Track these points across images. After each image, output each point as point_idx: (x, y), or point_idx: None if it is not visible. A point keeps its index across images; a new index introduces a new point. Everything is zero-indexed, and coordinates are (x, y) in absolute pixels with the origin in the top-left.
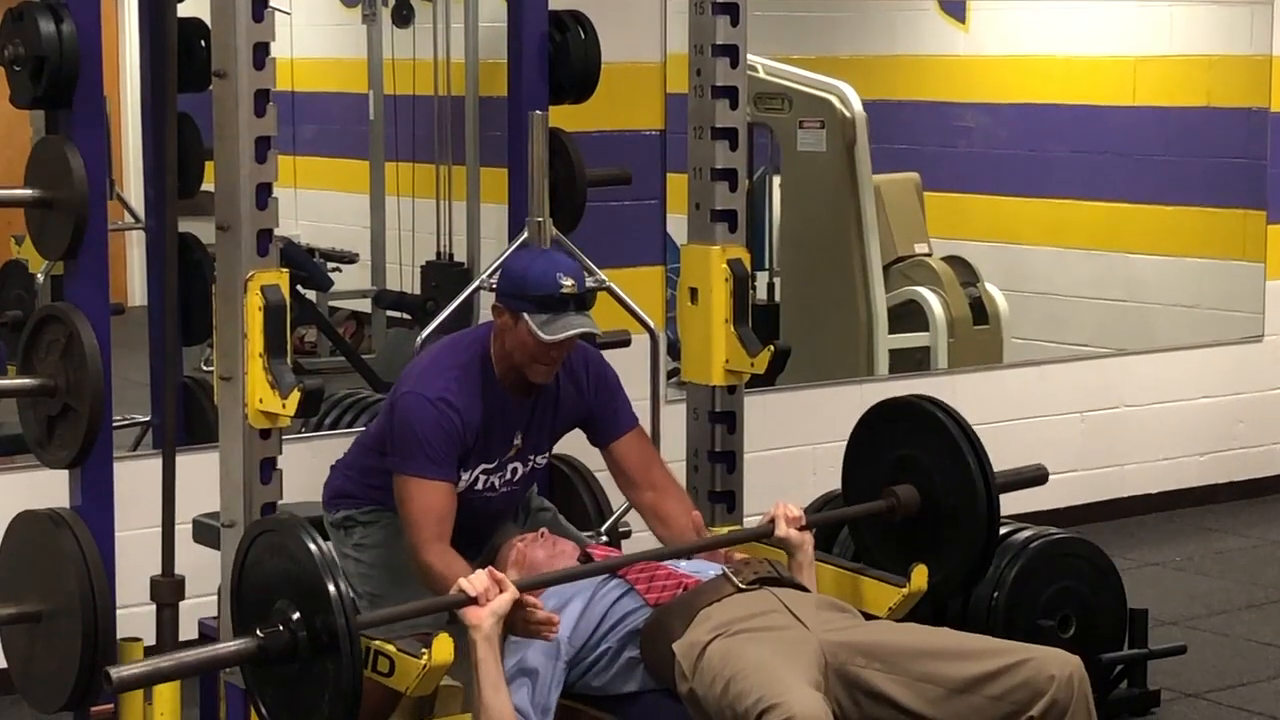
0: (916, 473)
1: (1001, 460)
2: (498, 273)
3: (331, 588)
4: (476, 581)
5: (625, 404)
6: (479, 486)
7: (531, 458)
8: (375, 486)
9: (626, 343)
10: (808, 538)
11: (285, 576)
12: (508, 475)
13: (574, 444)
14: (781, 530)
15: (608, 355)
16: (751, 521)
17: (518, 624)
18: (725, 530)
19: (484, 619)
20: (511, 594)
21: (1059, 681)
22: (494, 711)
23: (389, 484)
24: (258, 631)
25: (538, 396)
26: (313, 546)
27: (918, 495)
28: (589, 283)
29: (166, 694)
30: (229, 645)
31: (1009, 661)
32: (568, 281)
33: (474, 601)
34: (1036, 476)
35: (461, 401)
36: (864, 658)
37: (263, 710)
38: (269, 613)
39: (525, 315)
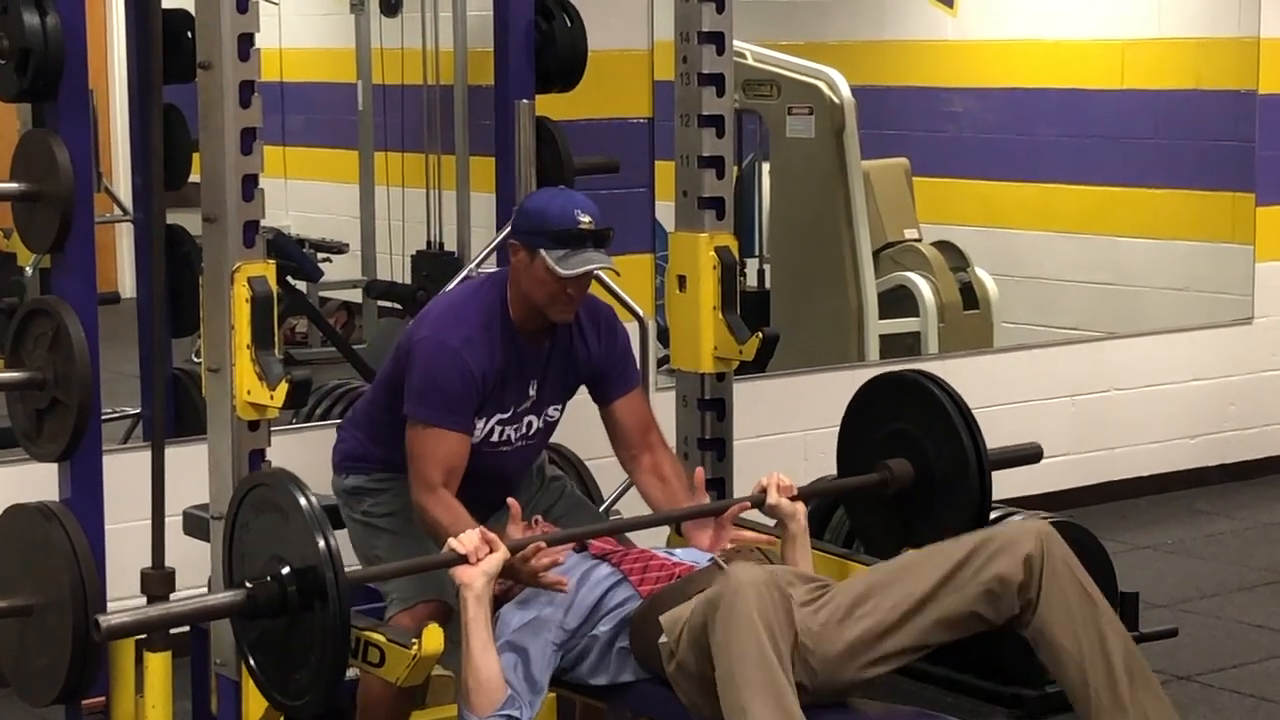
0: (910, 447)
1: (992, 444)
2: (488, 259)
3: (321, 542)
4: (467, 540)
5: (633, 362)
6: (494, 439)
7: (546, 410)
8: (385, 447)
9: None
10: (800, 508)
11: (276, 531)
12: (523, 429)
13: (565, 433)
14: (773, 498)
15: None
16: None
17: (524, 575)
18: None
19: (475, 578)
20: (503, 554)
21: (1028, 539)
22: (482, 672)
23: (399, 442)
24: (247, 584)
25: (553, 346)
26: (303, 501)
27: (911, 469)
28: None
29: (158, 685)
30: (218, 596)
31: (969, 547)
32: (585, 218)
33: (465, 560)
34: (1031, 454)
35: (481, 348)
36: (815, 644)
37: (251, 663)
38: (260, 567)
39: (542, 251)
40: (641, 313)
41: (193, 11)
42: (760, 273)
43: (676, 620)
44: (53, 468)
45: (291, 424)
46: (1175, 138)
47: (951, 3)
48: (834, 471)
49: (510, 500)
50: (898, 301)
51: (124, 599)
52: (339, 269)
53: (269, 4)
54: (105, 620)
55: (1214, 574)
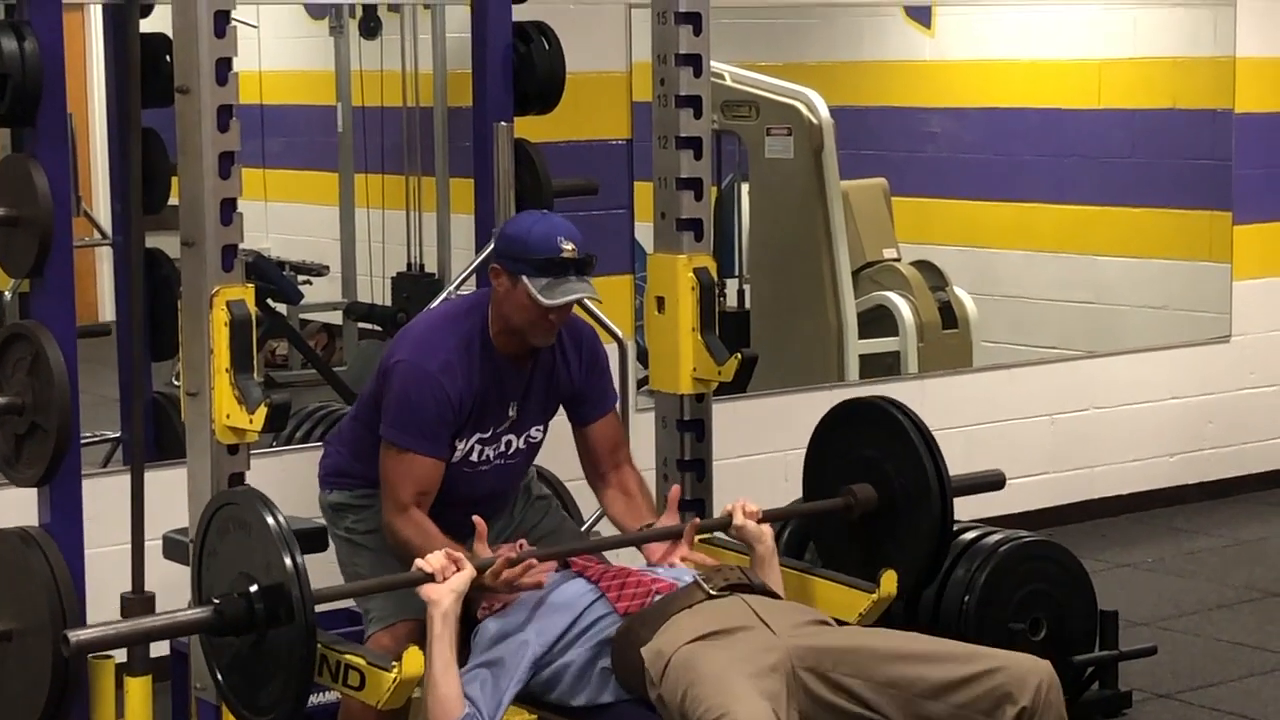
0: (875, 473)
1: (971, 463)
2: (469, 281)
3: (288, 560)
4: (434, 560)
5: (611, 383)
6: (474, 458)
7: (527, 431)
8: (366, 463)
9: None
10: (766, 530)
11: (245, 549)
12: (502, 448)
13: (545, 455)
14: (739, 520)
15: None
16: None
17: (500, 588)
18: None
19: (443, 595)
20: (469, 572)
21: (1030, 690)
22: (440, 689)
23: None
24: (214, 601)
25: (534, 367)
26: (270, 520)
27: (875, 494)
28: None
29: (138, 710)
30: (186, 613)
31: (979, 669)
32: (568, 245)
33: (431, 579)
34: (993, 481)
35: (459, 372)
36: (831, 662)
37: (219, 678)
38: (228, 584)
39: (525, 279)
40: (621, 334)
41: (171, 36)
42: (740, 293)
43: (660, 655)
44: (32, 492)
45: (271, 447)
46: (1153, 157)
47: (929, 23)
48: None
49: (476, 519)
50: (877, 321)
51: (104, 624)
52: (319, 291)
53: (248, 27)
54: (74, 635)
55: (1193, 592)
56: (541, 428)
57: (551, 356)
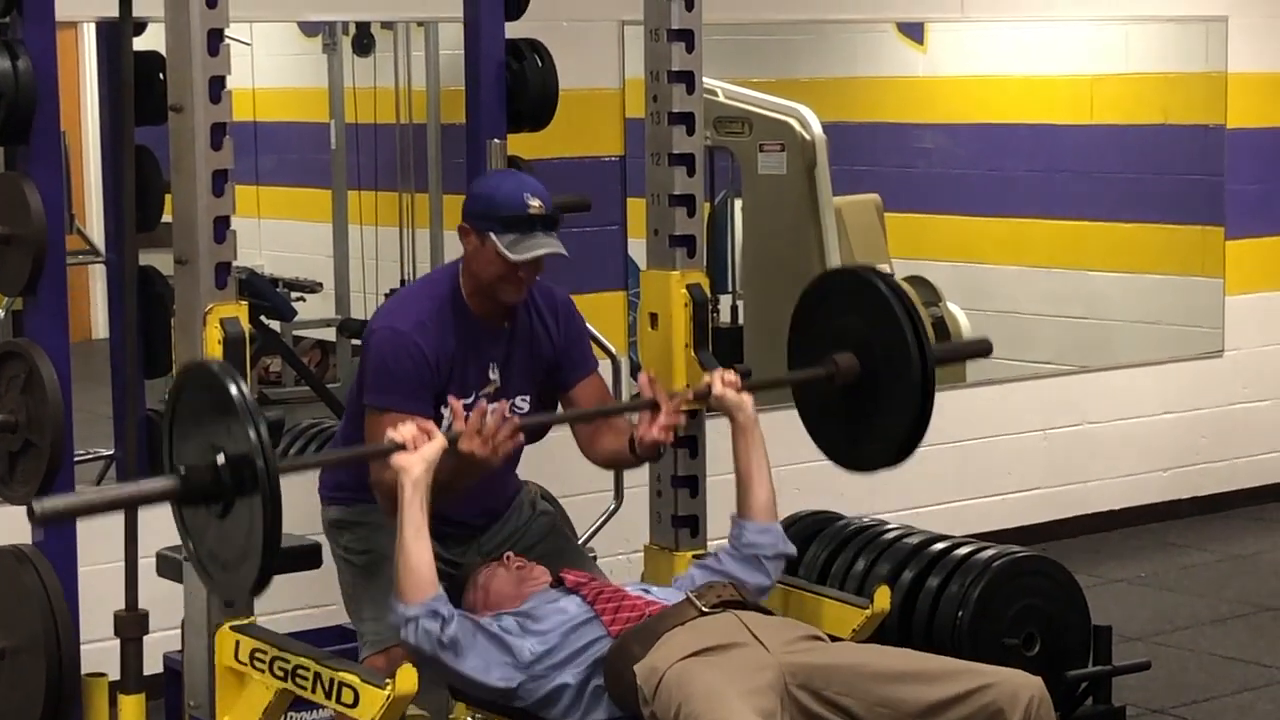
0: (857, 342)
1: (965, 478)
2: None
3: (252, 431)
4: (405, 430)
5: (589, 347)
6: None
7: (513, 400)
8: (359, 466)
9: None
10: (746, 398)
11: (212, 420)
12: None
13: (540, 471)
14: (719, 389)
15: None
16: (717, 545)
17: (477, 449)
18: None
19: (414, 464)
20: (440, 441)
21: (1021, 705)
22: (413, 558)
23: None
24: (182, 470)
25: (513, 332)
26: (234, 390)
27: (857, 363)
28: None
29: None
30: (154, 481)
31: (970, 686)
32: (535, 202)
33: (404, 449)
34: (979, 349)
35: (433, 331)
36: (824, 680)
37: (190, 548)
38: (195, 455)
39: (492, 235)
40: (614, 350)
41: (164, 54)
42: (733, 309)
43: (653, 672)
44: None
45: None
46: (1145, 172)
47: (922, 39)
48: (810, 508)
49: (450, 398)
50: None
51: (98, 641)
52: (313, 308)
53: (241, 45)
54: (40, 504)
55: (1187, 606)
56: (528, 398)
57: (529, 323)
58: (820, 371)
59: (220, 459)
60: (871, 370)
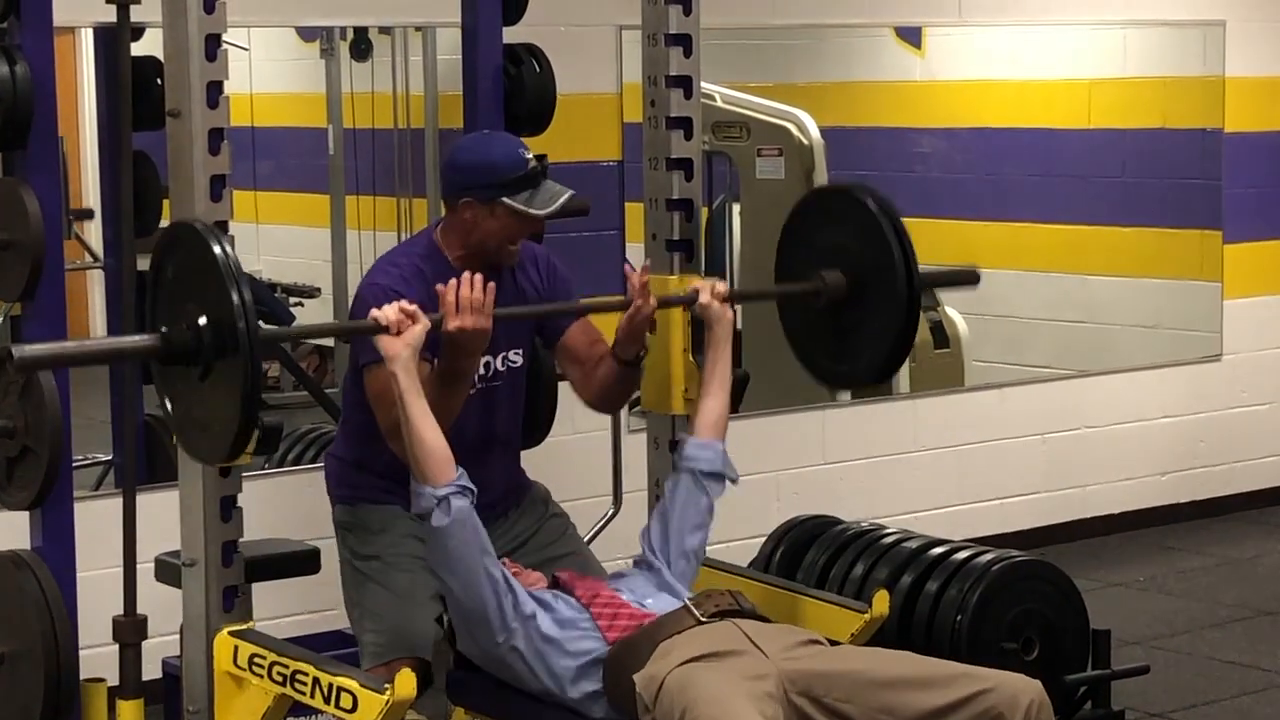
0: (845, 259)
1: (963, 482)
2: None
3: (235, 295)
4: (389, 312)
5: (576, 295)
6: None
7: (505, 353)
8: (364, 445)
9: None
10: (728, 311)
11: (195, 282)
12: (480, 369)
13: (540, 477)
14: (705, 298)
15: (568, 387)
16: (715, 549)
17: (448, 324)
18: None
19: (399, 349)
20: (424, 324)
21: (1020, 710)
22: (427, 440)
23: (371, 432)
24: (163, 329)
25: (498, 283)
26: (219, 251)
27: (844, 280)
28: None
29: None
30: (135, 338)
31: (970, 691)
32: (529, 154)
33: (387, 331)
34: (967, 277)
35: (415, 283)
36: (824, 687)
37: (167, 408)
38: (176, 315)
39: (506, 200)
40: None
41: (162, 59)
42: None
43: (652, 679)
44: (24, 515)
45: (264, 469)
46: (1143, 176)
47: (920, 44)
48: (809, 512)
49: (438, 287)
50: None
51: (96, 646)
52: (311, 313)
53: (239, 50)
54: (19, 351)
55: (1185, 611)
56: (520, 352)
57: (514, 278)
58: (808, 286)
59: (202, 320)
60: (858, 287)
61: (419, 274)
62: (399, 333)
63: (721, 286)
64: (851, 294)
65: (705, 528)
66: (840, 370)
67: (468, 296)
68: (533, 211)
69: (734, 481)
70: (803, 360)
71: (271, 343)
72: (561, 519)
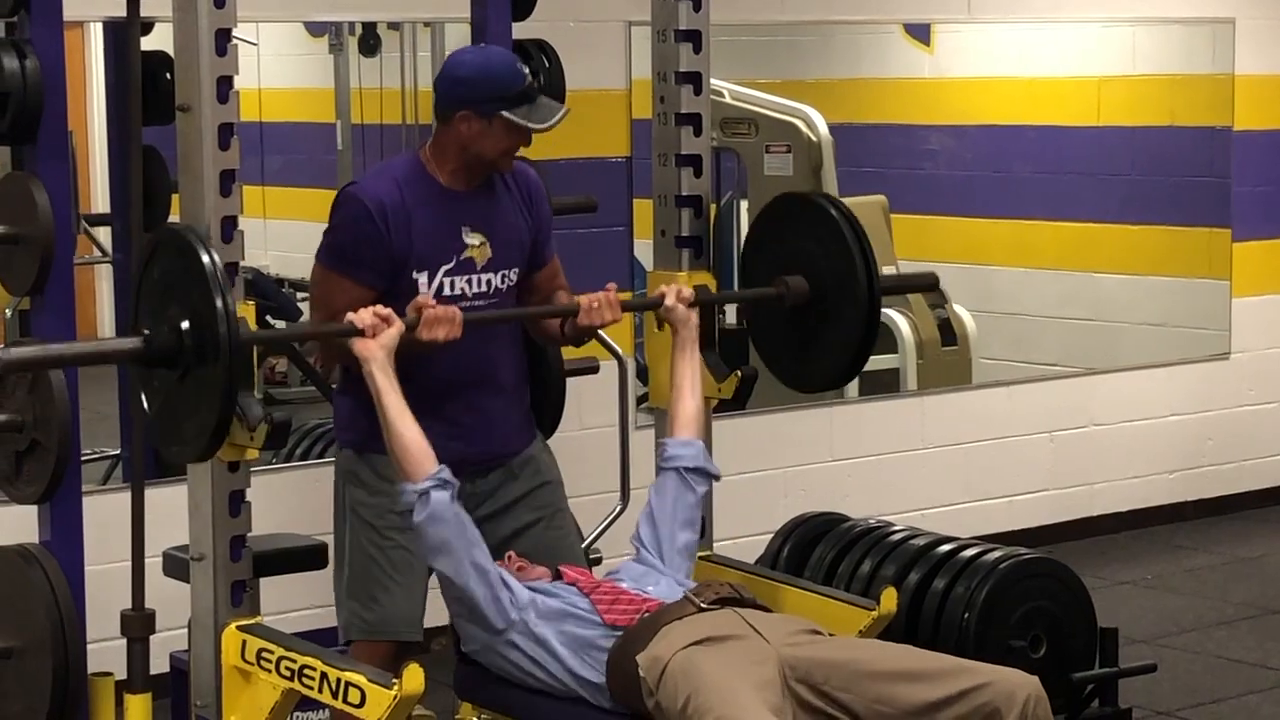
0: (809, 265)
1: (973, 482)
2: None
3: (218, 300)
4: (364, 316)
5: (552, 232)
6: (448, 292)
7: (503, 271)
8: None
9: (595, 369)
10: (693, 315)
11: (179, 287)
12: (480, 285)
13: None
14: (670, 301)
15: (575, 383)
16: (722, 546)
17: (420, 333)
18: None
19: (375, 351)
20: (398, 327)
21: (1017, 704)
22: (406, 437)
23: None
24: (145, 331)
25: (494, 200)
26: (205, 259)
27: (807, 285)
28: None
29: None
30: (117, 341)
31: (967, 685)
32: (526, 69)
33: (362, 334)
34: (926, 283)
35: (396, 192)
36: (823, 675)
37: (147, 407)
38: (160, 318)
39: (505, 113)
40: (620, 351)
41: (171, 54)
42: (739, 311)
43: (656, 661)
44: (32, 509)
45: (272, 464)
46: (1151, 174)
47: (928, 41)
48: (815, 509)
49: (420, 298)
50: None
51: (104, 640)
52: None
53: (248, 45)
54: (7, 351)
55: (1192, 609)
56: (516, 270)
57: (510, 196)
58: (771, 291)
59: (185, 324)
60: (820, 292)
61: (403, 190)
62: (374, 335)
63: (687, 291)
64: (814, 299)
65: (695, 525)
66: (803, 373)
67: (444, 312)
68: (531, 125)
69: (717, 478)
70: (766, 362)
71: (250, 345)
72: (552, 485)
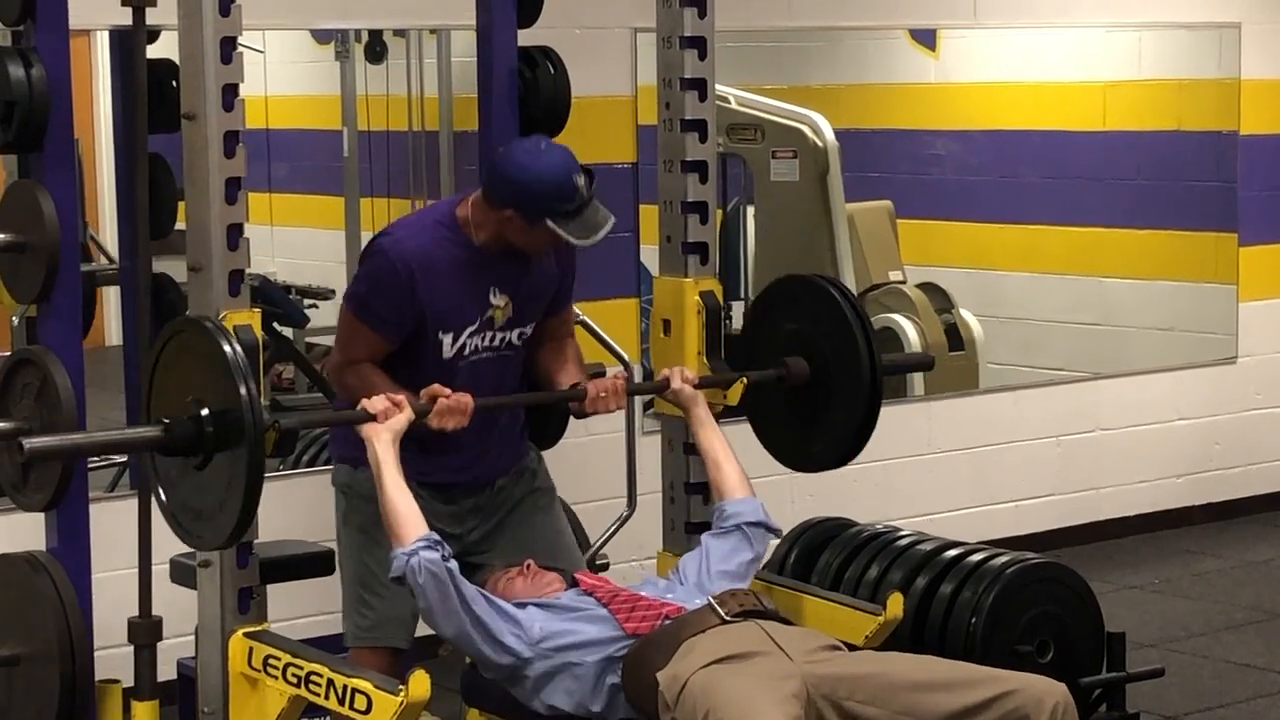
0: (809, 347)
1: (980, 486)
2: None
3: (242, 387)
4: (377, 403)
5: (574, 283)
6: (467, 352)
7: (519, 328)
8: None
9: (601, 375)
10: (701, 395)
11: (199, 375)
12: (497, 342)
13: (553, 478)
14: (676, 384)
15: None
16: None
17: (430, 421)
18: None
19: (381, 433)
20: (408, 414)
21: (1045, 712)
22: (400, 507)
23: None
24: (164, 420)
25: (521, 258)
26: (226, 348)
27: (807, 367)
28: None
29: None
30: (138, 430)
31: (994, 693)
32: (580, 179)
33: (375, 420)
34: (923, 362)
35: (425, 259)
36: (847, 689)
37: (163, 499)
38: (178, 406)
39: (549, 223)
40: (626, 356)
41: (177, 61)
42: (745, 314)
43: (675, 679)
44: (39, 517)
45: (279, 471)
46: (1158, 179)
47: (934, 46)
48: (822, 514)
49: (434, 386)
50: (883, 343)
51: (111, 647)
52: (326, 315)
53: (254, 52)
54: (29, 442)
55: (1201, 613)
56: (532, 326)
57: (539, 260)
58: (772, 374)
59: (205, 411)
60: (822, 373)
61: (435, 247)
62: (385, 420)
63: (690, 373)
64: (814, 380)
65: (741, 579)
66: (802, 453)
67: (456, 403)
68: (575, 240)
69: (778, 534)
70: (764, 441)
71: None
72: (548, 494)
